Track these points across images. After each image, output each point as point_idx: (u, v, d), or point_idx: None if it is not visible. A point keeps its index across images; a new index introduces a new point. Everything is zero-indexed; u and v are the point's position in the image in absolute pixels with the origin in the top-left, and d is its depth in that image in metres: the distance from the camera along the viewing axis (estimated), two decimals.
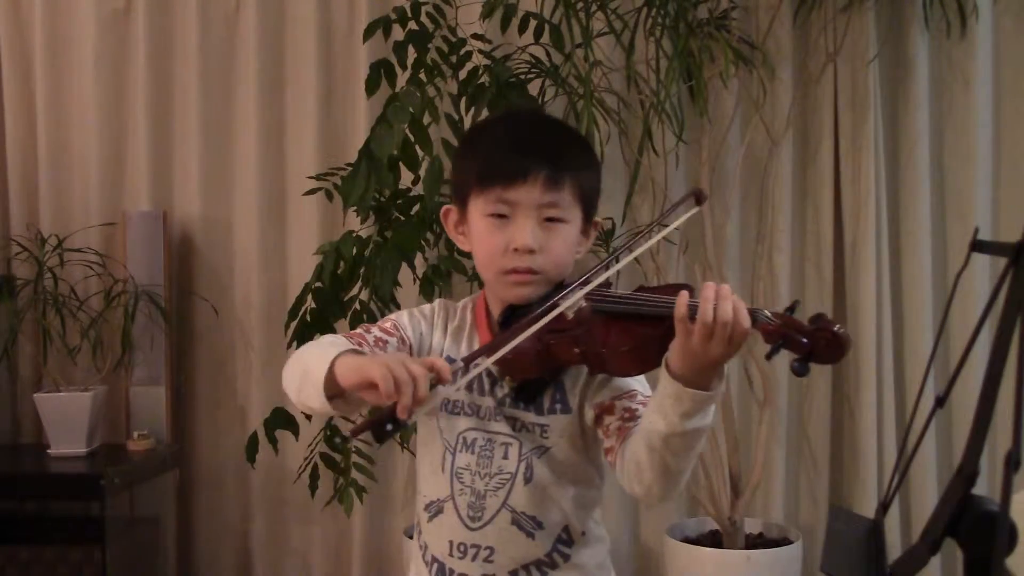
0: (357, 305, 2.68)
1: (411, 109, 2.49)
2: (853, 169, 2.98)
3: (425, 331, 1.43)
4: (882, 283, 2.95)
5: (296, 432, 2.80)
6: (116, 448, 3.17)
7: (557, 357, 1.31)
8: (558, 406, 1.36)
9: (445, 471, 1.39)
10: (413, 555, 1.49)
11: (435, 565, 1.41)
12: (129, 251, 3.25)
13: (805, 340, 1.14)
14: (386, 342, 1.38)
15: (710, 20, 2.82)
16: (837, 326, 1.14)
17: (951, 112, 3.00)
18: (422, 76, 2.69)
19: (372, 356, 1.22)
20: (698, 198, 1.35)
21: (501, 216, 1.34)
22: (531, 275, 1.35)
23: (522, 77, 2.78)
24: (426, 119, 2.53)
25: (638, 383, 1.35)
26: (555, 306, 1.28)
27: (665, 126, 2.82)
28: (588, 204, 1.40)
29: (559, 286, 1.37)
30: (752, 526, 2.93)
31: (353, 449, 2.84)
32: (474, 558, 1.37)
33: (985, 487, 0.86)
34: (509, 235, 1.34)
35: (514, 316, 1.36)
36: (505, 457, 1.36)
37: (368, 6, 3.17)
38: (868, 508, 2.85)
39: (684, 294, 1.17)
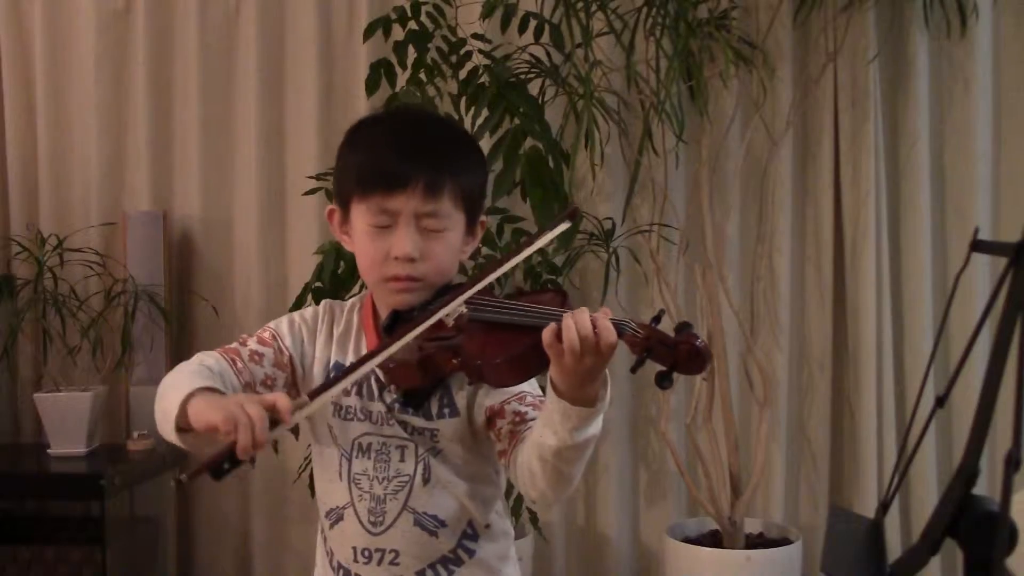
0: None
1: (412, 106, 2.49)
2: (853, 169, 2.98)
3: (307, 339, 1.42)
4: (882, 283, 2.95)
5: (296, 432, 2.79)
6: (116, 448, 3.17)
7: (438, 365, 1.30)
8: (446, 410, 1.35)
9: (343, 478, 1.39)
10: (318, 561, 1.49)
11: (341, 571, 1.41)
12: (129, 251, 3.25)
13: (668, 351, 1.14)
14: (262, 355, 1.37)
15: (710, 20, 2.82)
16: (698, 339, 1.14)
17: (951, 112, 3.00)
18: (422, 76, 2.70)
19: (220, 398, 1.20)
20: (572, 215, 1.33)
21: (382, 226, 1.34)
22: (412, 282, 1.35)
23: (522, 77, 2.78)
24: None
25: (527, 384, 1.34)
26: (432, 314, 1.27)
27: (665, 126, 2.82)
28: (471, 206, 1.39)
29: (443, 290, 1.37)
30: (752, 526, 2.93)
31: None
32: (379, 562, 1.37)
33: (985, 487, 0.86)
34: (389, 243, 1.33)
35: (399, 321, 1.36)
36: (402, 460, 1.36)
37: (368, 6, 3.17)
38: (868, 508, 2.85)
39: (552, 326, 1.16)
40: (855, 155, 2.98)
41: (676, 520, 3.04)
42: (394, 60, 2.72)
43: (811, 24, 3.01)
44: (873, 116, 2.93)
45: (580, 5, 2.70)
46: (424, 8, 2.76)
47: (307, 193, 2.88)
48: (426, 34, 2.74)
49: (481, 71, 2.72)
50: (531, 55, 2.84)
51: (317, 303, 2.71)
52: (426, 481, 1.36)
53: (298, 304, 2.68)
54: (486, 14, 2.81)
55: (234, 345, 1.38)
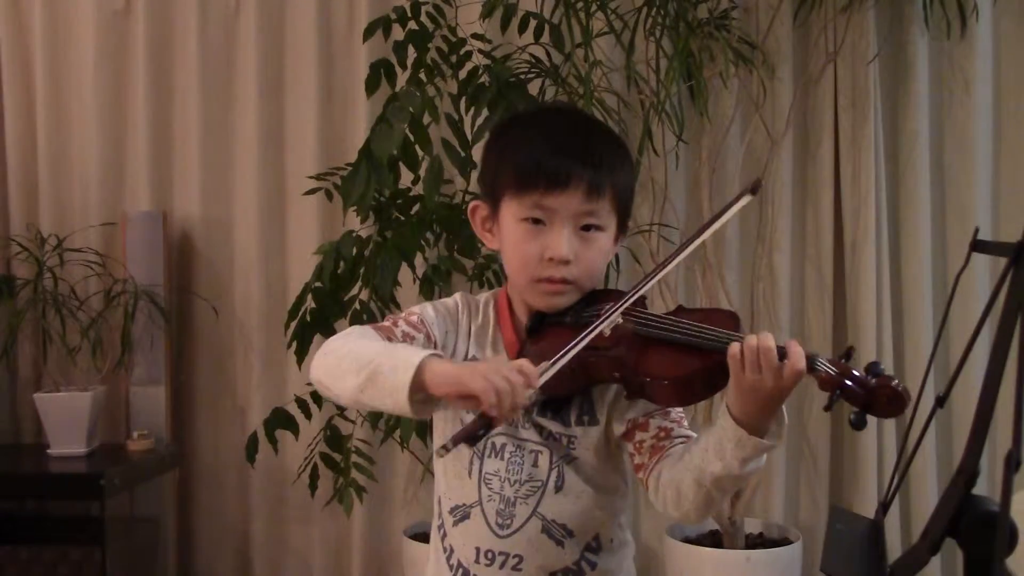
0: (357, 305, 2.68)
1: (411, 109, 2.49)
2: (853, 169, 2.98)
3: (450, 329, 1.39)
4: (882, 283, 2.95)
5: (296, 432, 2.80)
6: (116, 448, 3.17)
7: (593, 376, 1.28)
8: (586, 418, 1.33)
9: (472, 476, 1.35)
10: (432, 557, 1.44)
11: (460, 571, 1.37)
12: (129, 251, 3.25)
13: (863, 392, 1.11)
14: (413, 338, 1.34)
15: (710, 20, 2.82)
16: (895, 381, 1.11)
17: (951, 112, 3.00)
18: (422, 76, 2.69)
19: (465, 366, 1.19)
20: (754, 188, 1.28)
21: (536, 221, 1.30)
22: (565, 285, 1.32)
23: (522, 77, 2.78)
24: (426, 119, 2.53)
25: None
26: (606, 317, 1.24)
27: (665, 126, 2.81)
28: (624, 210, 1.37)
29: (592, 295, 1.35)
30: (752, 526, 2.93)
31: (352, 449, 2.84)
32: (502, 566, 1.34)
33: (985, 487, 0.86)
34: (544, 243, 1.30)
35: (543, 323, 1.34)
36: (535, 465, 1.34)
37: (368, 6, 3.17)
38: (868, 508, 2.85)
39: (735, 345, 1.14)
40: (855, 155, 2.98)
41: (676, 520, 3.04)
42: (394, 60, 2.71)
43: (811, 24, 3.01)
44: (873, 116, 2.93)
45: (580, 5, 2.70)
46: (424, 8, 2.76)
47: (307, 193, 2.88)
48: (426, 34, 2.74)
49: (481, 71, 2.72)
50: (531, 55, 2.84)
51: (317, 303, 2.74)
52: (558, 488, 1.33)
53: (298, 304, 2.68)
54: (486, 14, 2.81)
55: (386, 323, 1.35)
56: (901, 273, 3.02)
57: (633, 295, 1.26)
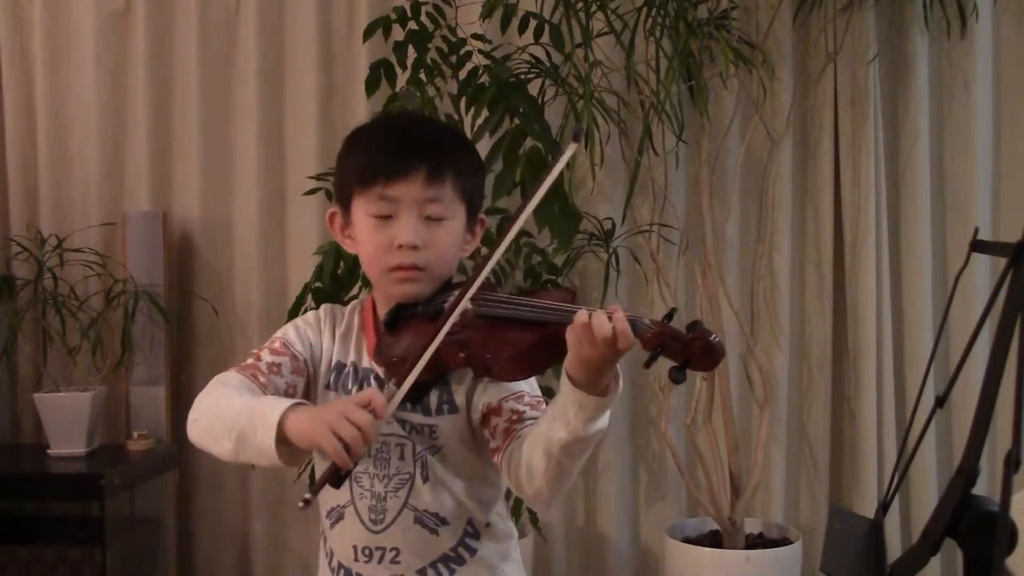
0: None
1: (411, 109, 2.49)
2: (853, 169, 2.98)
3: (314, 339, 1.43)
4: (882, 283, 2.95)
5: None
6: (116, 448, 3.18)
7: (443, 360, 1.30)
8: (445, 406, 1.36)
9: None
10: (320, 563, 1.48)
11: (341, 571, 1.40)
12: (129, 251, 3.25)
13: (681, 347, 1.15)
14: (279, 365, 1.38)
15: (710, 20, 2.82)
16: (712, 335, 1.15)
17: (951, 112, 3.00)
18: (422, 76, 2.69)
19: (316, 417, 1.21)
20: (576, 136, 1.30)
21: (384, 217, 1.35)
22: (416, 271, 1.35)
23: (522, 77, 2.78)
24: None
25: (525, 384, 1.35)
26: (453, 308, 1.27)
27: (665, 126, 2.81)
28: (471, 201, 1.41)
29: (446, 285, 1.38)
30: (752, 526, 2.93)
31: None
32: (380, 560, 1.37)
33: (985, 487, 0.86)
34: (392, 232, 1.34)
35: (400, 315, 1.36)
36: (401, 458, 1.36)
37: (368, 6, 3.17)
38: (868, 508, 2.85)
39: (582, 314, 1.17)
40: (855, 155, 2.98)
41: (676, 520, 3.04)
42: (394, 60, 2.72)
43: (811, 24, 3.01)
44: (873, 116, 2.93)
45: (580, 5, 2.70)
46: (424, 8, 2.76)
47: (307, 193, 2.88)
48: (426, 34, 2.74)
49: (481, 71, 2.72)
50: (531, 55, 2.84)
51: (317, 303, 2.74)
52: (425, 479, 1.35)
53: (298, 304, 2.68)
54: (486, 14, 2.81)
55: (249, 361, 1.38)
56: (901, 273, 3.02)
57: (471, 287, 1.28)
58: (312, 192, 2.85)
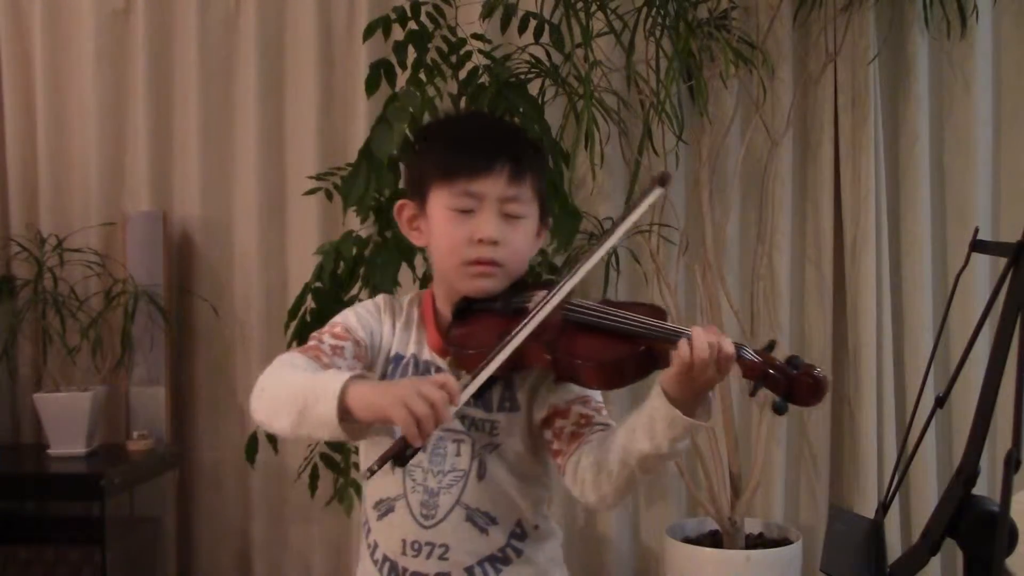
0: None
1: (411, 109, 2.49)
2: (853, 169, 2.98)
3: (375, 326, 1.42)
4: (882, 283, 2.95)
5: None
6: (116, 448, 3.17)
7: (524, 359, 1.30)
8: (507, 403, 1.36)
9: (396, 469, 1.36)
10: (361, 557, 1.46)
11: (387, 564, 1.39)
12: (129, 251, 3.25)
13: (784, 380, 1.16)
14: (342, 348, 1.37)
15: (710, 20, 2.82)
16: (817, 370, 1.16)
17: (951, 112, 3.00)
18: (422, 76, 2.69)
19: (386, 389, 1.21)
20: (663, 181, 1.34)
21: (464, 211, 1.35)
22: (494, 267, 1.36)
23: (522, 77, 2.78)
24: (426, 119, 2.53)
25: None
26: (540, 308, 1.28)
27: (665, 126, 2.81)
28: (543, 204, 1.43)
29: (517, 284, 1.38)
30: (752, 526, 2.93)
31: (353, 448, 2.84)
32: (428, 556, 1.36)
33: (985, 487, 0.86)
34: (473, 226, 1.35)
35: (469, 309, 1.37)
36: (458, 454, 1.36)
37: (368, 6, 3.17)
38: (868, 508, 2.85)
39: (697, 331, 1.18)
40: (855, 155, 2.98)
41: (676, 520, 3.04)
42: (394, 60, 2.71)
43: (811, 24, 3.01)
44: (873, 116, 2.93)
45: (580, 5, 2.70)
46: (424, 8, 2.76)
47: (307, 193, 2.87)
48: (426, 34, 2.74)
49: (481, 71, 2.72)
50: (531, 55, 2.84)
51: (317, 303, 2.74)
52: (480, 477, 1.36)
53: (298, 304, 2.68)
54: (486, 14, 2.81)
55: (312, 343, 1.38)
56: (901, 273, 3.02)
57: (559, 290, 1.29)
58: (312, 192, 2.85)
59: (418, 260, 2.72)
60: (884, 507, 0.99)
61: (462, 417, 1.36)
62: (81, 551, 2.96)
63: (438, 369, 1.38)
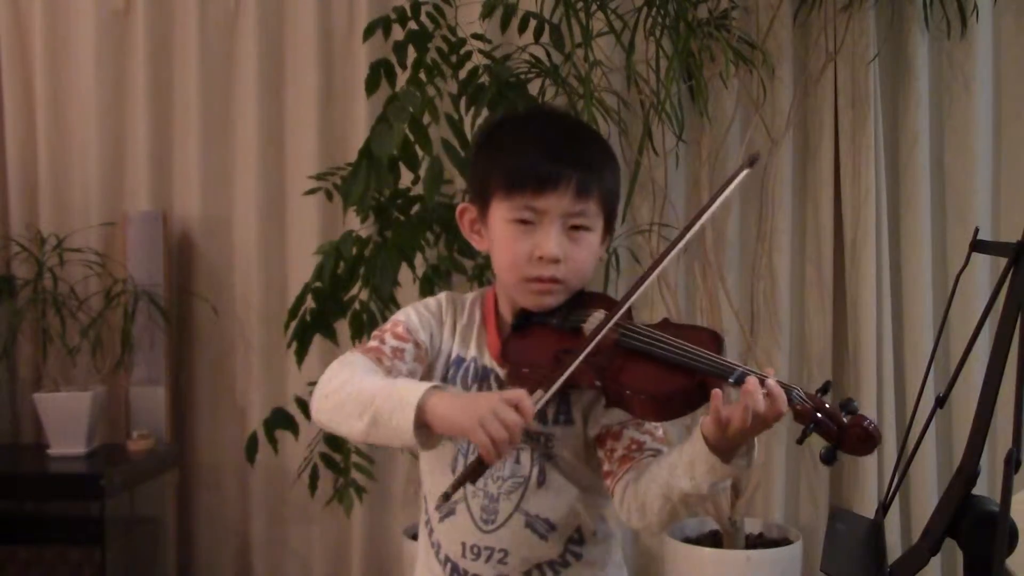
0: (357, 305, 2.68)
1: (411, 109, 2.49)
2: (853, 169, 2.98)
3: (436, 331, 1.41)
4: (882, 283, 2.95)
5: (296, 432, 2.80)
6: (116, 448, 3.18)
7: (575, 382, 1.27)
8: (561, 417, 1.35)
9: (457, 472, 1.36)
10: (422, 552, 1.47)
11: (448, 565, 1.40)
12: (129, 251, 3.25)
13: (835, 428, 1.12)
14: (403, 351, 1.36)
15: (710, 20, 2.82)
16: (868, 421, 1.12)
17: (951, 112, 3.00)
18: (422, 76, 2.69)
19: (463, 405, 1.20)
20: (752, 162, 1.31)
21: (526, 222, 1.32)
22: (554, 284, 1.33)
23: (522, 77, 2.77)
24: (426, 119, 2.53)
25: None
26: (597, 333, 1.25)
27: (665, 126, 2.81)
28: (611, 212, 1.39)
29: (579, 295, 1.36)
30: (752, 526, 2.93)
31: (352, 449, 2.84)
32: (488, 559, 1.36)
33: (985, 487, 0.86)
34: (534, 243, 1.31)
35: (529, 322, 1.35)
36: (517, 461, 1.36)
37: (368, 6, 3.17)
38: (868, 508, 2.85)
39: (748, 386, 1.13)
40: (855, 155, 2.97)
41: None
42: (394, 60, 2.71)
43: (811, 24, 3.01)
44: (873, 116, 2.93)
45: (580, 5, 2.70)
46: (424, 8, 2.76)
47: (307, 193, 2.88)
48: (426, 34, 2.74)
49: (481, 71, 2.72)
50: (531, 55, 2.83)
51: (317, 303, 2.73)
52: (541, 484, 1.35)
53: (298, 304, 2.68)
54: (486, 14, 2.81)
55: (374, 344, 1.36)
56: (901, 273, 3.02)
57: (624, 306, 1.27)
58: (312, 192, 2.85)
59: (418, 260, 2.73)
60: (884, 507, 0.99)
61: None
62: (81, 551, 2.96)
63: (497, 376, 1.36)
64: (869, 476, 2.93)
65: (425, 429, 1.20)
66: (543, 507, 1.35)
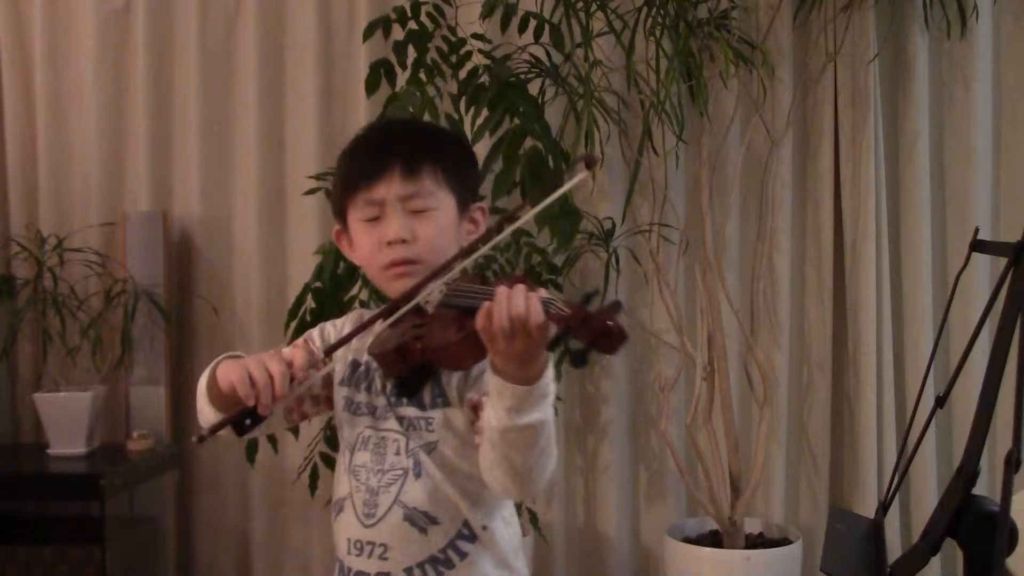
0: (357, 305, 2.68)
1: (411, 109, 2.49)
2: (853, 169, 2.98)
3: (333, 337, 1.45)
4: (882, 283, 2.95)
5: (296, 432, 2.80)
6: (116, 448, 3.17)
7: (410, 351, 1.29)
8: (439, 399, 1.36)
9: (347, 470, 1.40)
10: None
11: (337, 564, 1.42)
12: (129, 251, 3.25)
13: (586, 329, 1.09)
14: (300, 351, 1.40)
15: (710, 20, 2.82)
16: (617, 314, 1.10)
17: (951, 112, 3.00)
18: (422, 76, 2.69)
19: (238, 360, 1.28)
20: (588, 162, 1.27)
21: (374, 219, 1.39)
22: (409, 265, 1.37)
23: (522, 77, 2.78)
24: (426, 119, 2.53)
25: None
26: (410, 298, 1.29)
27: (665, 126, 2.81)
28: (460, 188, 1.42)
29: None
30: (752, 526, 2.93)
31: None
32: (370, 555, 1.36)
33: (985, 487, 0.86)
34: (381, 232, 1.38)
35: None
36: (397, 453, 1.37)
37: (368, 6, 3.17)
38: (868, 508, 2.85)
39: (498, 296, 1.14)
40: (855, 155, 2.98)
41: (676, 520, 3.04)
42: (394, 60, 2.71)
43: (811, 24, 3.01)
44: (873, 116, 2.93)
45: (580, 5, 2.70)
46: (424, 8, 2.76)
47: (307, 193, 2.87)
48: (426, 34, 2.74)
49: (481, 71, 2.72)
50: (531, 55, 2.84)
51: (317, 303, 2.74)
52: (417, 475, 1.35)
53: (298, 304, 2.68)
54: (486, 14, 2.81)
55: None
56: (901, 273, 3.02)
57: (434, 276, 1.29)
58: (312, 192, 2.85)
59: None
60: (884, 507, 0.99)
61: (400, 418, 1.37)
62: (81, 551, 2.96)
63: (376, 368, 1.40)
64: (869, 476, 2.94)
65: (215, 388, 1.30)
66: (420, 499, 1.34)
